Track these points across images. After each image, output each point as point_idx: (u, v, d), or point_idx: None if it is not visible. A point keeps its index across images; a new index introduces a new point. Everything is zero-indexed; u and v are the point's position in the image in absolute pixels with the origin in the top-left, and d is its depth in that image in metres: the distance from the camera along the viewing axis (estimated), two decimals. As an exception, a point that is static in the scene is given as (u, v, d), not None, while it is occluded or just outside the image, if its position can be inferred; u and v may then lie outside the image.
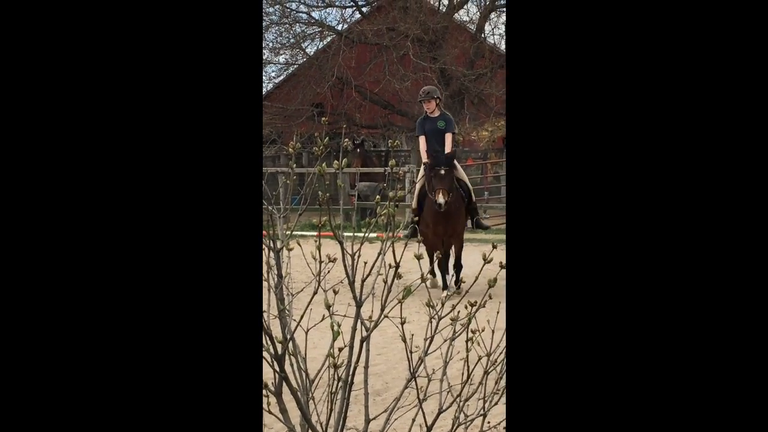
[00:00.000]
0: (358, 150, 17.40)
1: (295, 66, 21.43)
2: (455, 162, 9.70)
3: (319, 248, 2.40)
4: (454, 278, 9.66)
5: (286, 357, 2.38)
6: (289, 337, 2.39)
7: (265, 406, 2.38)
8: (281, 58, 21.54)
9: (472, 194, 9.93)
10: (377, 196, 2.71)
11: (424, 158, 9.65)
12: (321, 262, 2.42)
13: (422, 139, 9.75)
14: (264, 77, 21.80)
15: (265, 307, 2.41)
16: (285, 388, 2.42)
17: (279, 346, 2.34)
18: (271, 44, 21.06)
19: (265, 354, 2.34)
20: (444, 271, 9.48)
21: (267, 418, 2.51)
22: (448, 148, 9.58)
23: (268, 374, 2.42)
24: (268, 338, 2.32)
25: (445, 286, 9.50)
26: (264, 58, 21.31)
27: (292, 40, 20.98)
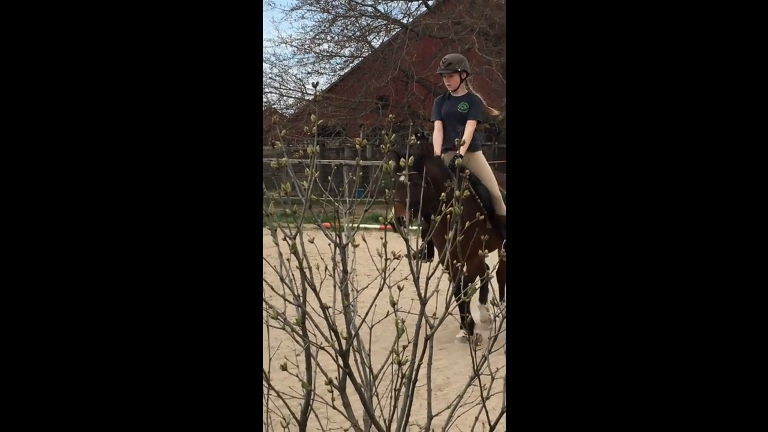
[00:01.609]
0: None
1: (360, 59, 21.49)
2: (481, 157, 7.07)
3: (385, 245, 2.41)
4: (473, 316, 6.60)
5: (350, 352, 2.39)
6: (353, 333, 2.40)
7: (329, 400, 2.40)
8: (346, 51, 21.63)
9: (497, 205, 6.89)
10: (442, 193, 2.70)
11: (437, 151, 7.02)
12: (387, 259, 2.43)
13: (438, 126, 7.15)
14: (329, 69, 21.91)
15: (330, 302, 2.43)
16: (348, 383, 2.43)
17: (343, 342, 2.36)
18: (337, 37, 21.17)
19: (329, 349, 2.36)
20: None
21: (330, 412, 2.53)
22: (465, 144, 6.78)
23: (332, 368, 2.44)
24: (333, 333, 2.34)
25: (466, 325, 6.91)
26: (329, 50, 21.42)
27: (357, 33, 21.04)
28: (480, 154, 7.13)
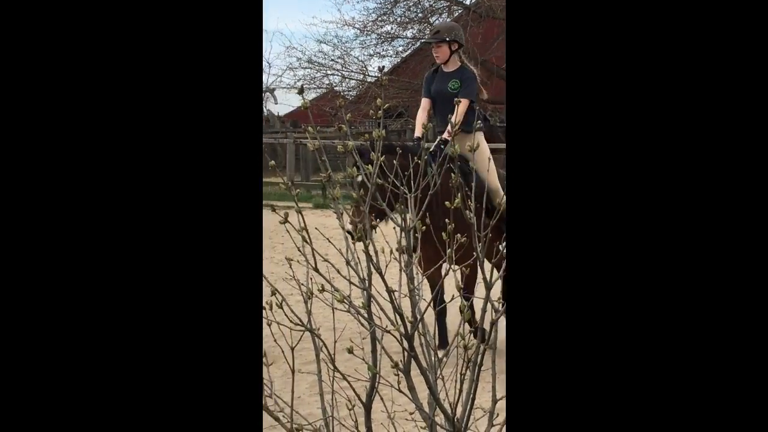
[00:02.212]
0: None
1: (422, 40, 21.41)
2: (478, 138, 5.67)
3: (450, 233, 2.41)
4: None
5: (416, 336, 2.40)
6: (419, 316, 2.41)
7: (394, 383, 2.41)
8: (408, 33, 21.58)
9: (494, 197, 5.71)
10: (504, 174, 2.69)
11: (417, 131, 5.91)
12: (453, 243, 2.43)
13: (424, 104, 6.21)
14: (391, 51, 21.88)
15: (395, 286, 2.44)
16: (413, 366, 2.44)
17: (409, 326, 2.37)
18: (399, 18, 21.13)
19: (395, 332, 2.37)
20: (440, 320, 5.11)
21: (394, 394, 2.54)
22: (456, 126, 5.47)
23: (396, 351, 2.45)
24: (398, 317, 2.35)
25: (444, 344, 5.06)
26: (392, 31, 21.38)
27: (420, 15, 20.98)
28: (477, 135, 5.90)
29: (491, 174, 5.76)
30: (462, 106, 5.94)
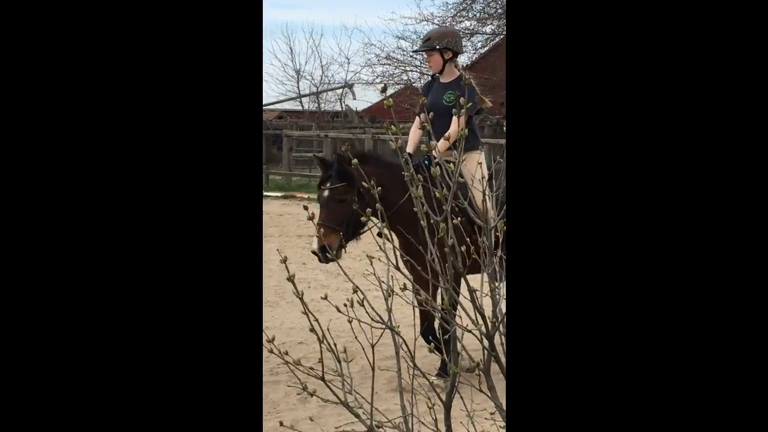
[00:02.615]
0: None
1: (502, 36, 21.31)
2: (476, 158, 5.22)
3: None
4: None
5: (497, 335, 2.40)
6: (500, 316, 2.40)
7: (476, 384, 2.41)
8: (488, 29, 21.49)
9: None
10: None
11: (409, 147, 5.53)
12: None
13: (418, 120, 5.77)
14: (470, 47, 21.82)
15: (477, 286, 2.43)
16: (494, 366, 2.43)
17: (490, 325, 2.36)
18: (478, 14, 21.06)
19: (475, 331, 2.36)
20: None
21: (472, 392, 2.54)
22: (444, 142, 5.14)
23: (476, 348, 2.45)
24: (479, 316, 2.35)
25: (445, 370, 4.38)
26: (471, 27, 21.31)
27: (499, 11, 20.87)
28: (476, 154, 5.43)
29: (478, 194, 4.73)
30: (457, 123, 5.11)
